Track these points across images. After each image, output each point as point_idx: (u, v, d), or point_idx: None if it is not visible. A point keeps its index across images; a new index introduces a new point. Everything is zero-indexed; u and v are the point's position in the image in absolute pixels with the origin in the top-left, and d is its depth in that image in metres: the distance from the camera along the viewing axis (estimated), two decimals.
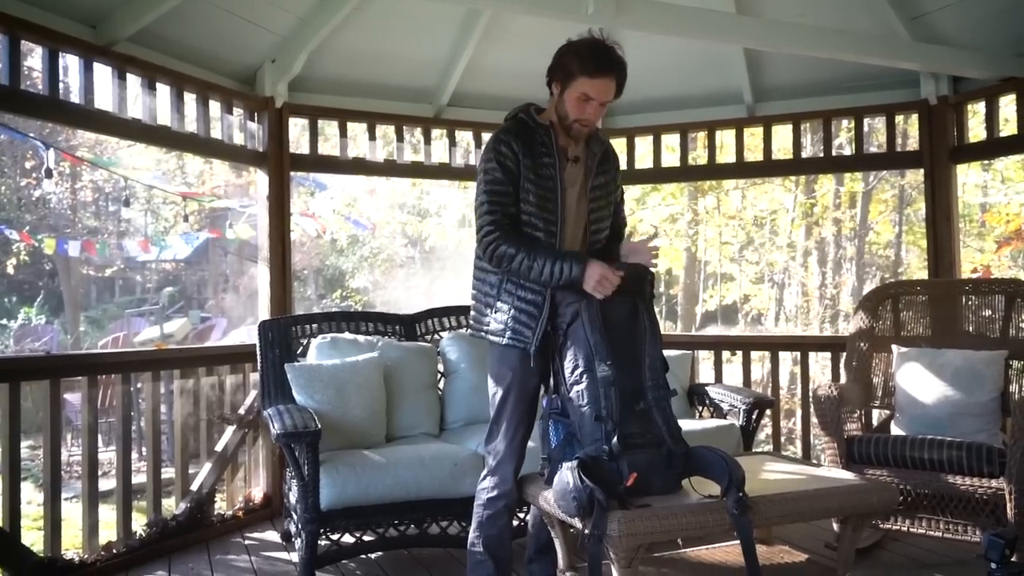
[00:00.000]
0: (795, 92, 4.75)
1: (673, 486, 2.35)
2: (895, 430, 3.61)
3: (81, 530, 3.46)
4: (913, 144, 4.70)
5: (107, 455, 6.04)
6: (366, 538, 3.21)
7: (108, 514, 3.58)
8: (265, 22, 4.06)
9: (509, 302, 2.55)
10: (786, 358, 8.36)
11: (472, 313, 2.69)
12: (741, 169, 5.33)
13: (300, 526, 3.09)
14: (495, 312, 2.58)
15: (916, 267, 10.91)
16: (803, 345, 4.93)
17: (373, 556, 3.49)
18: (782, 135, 5.52)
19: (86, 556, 3.34)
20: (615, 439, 2.28)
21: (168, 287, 14.99)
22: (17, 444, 3.13)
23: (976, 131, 4.63)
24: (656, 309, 2.63)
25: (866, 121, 4.85)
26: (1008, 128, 4.48)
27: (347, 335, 3.78)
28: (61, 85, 3.49)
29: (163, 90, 3.88)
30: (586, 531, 2.15)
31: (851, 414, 3.68)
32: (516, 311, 2.54)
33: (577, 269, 2.41)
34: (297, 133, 4.86)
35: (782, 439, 6.94)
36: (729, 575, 2.58)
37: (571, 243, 2.61)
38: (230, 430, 4.07)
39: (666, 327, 12.95)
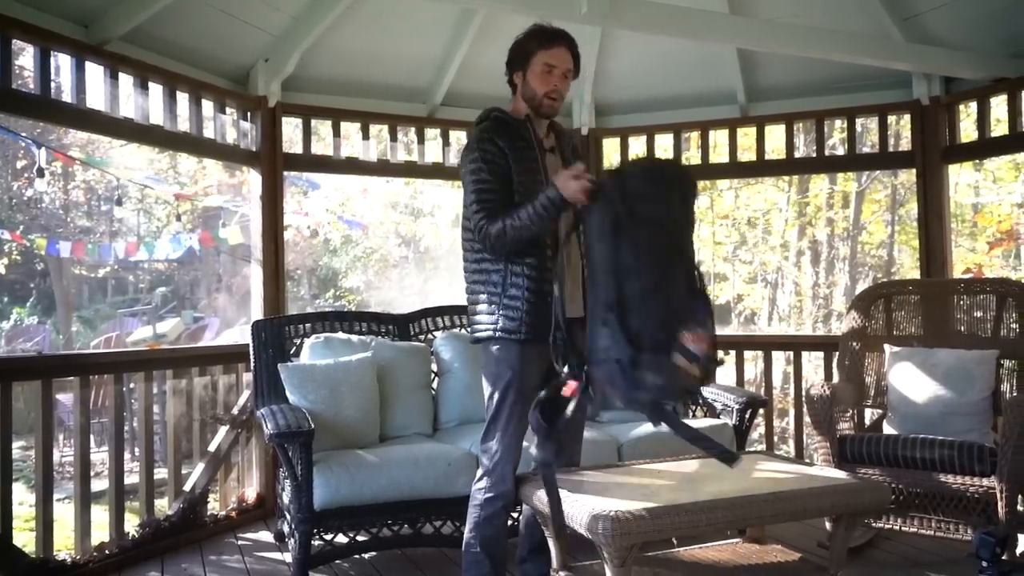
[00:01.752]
0: (788, 92, 4.76)
1: (637, 410, 2.27)
2: (887, 429, 3.62)
3: (73, 531, 3.45)
4: (905, 144, 4.72)
5: (99, 455, 6.02)
6: (360, 538, 3.20)
7: (100, 515, 3.57)
8: (258, 21, 4.05)
9: (520, 295, 2.53)
10: (779, 357, 8.36)
11: (478, 316, 2.62)
12: (734, 169, 5.34)
13: (293, 526, 3.09)
14: (503, 309, 2.54)
15: (909, 267, 10.96)
16: (796, 345, 4.94)
17: (367, 556, 3.49)
18: (775, 135, 5.53)
19: (78, 557, 3.33)
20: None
21: (161, 287, 14.94)
22: (9, 445, 3.12)
23: (968, 131, 4.65)
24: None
25: (859, 121, 4.87)
26: (1000, 128, 4.50)
27: (340, 335, 3.77)
28: (53, 84, 3.49)
29: (156, 89, 3.87)
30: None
31: (844, 413, 3.69)
32: (528, 303, 2.52)
33: (553, 190, 2.36)
34: (290, 132, 4.85)
35: (775, 438, 6.96)
36: (723, 574, 2.59)
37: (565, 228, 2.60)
38: (223, 430, 4.06)
39: None
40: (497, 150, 2.53)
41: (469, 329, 2.71)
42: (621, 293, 2.23)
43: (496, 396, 2.59)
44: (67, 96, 3.64)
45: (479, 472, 2.66)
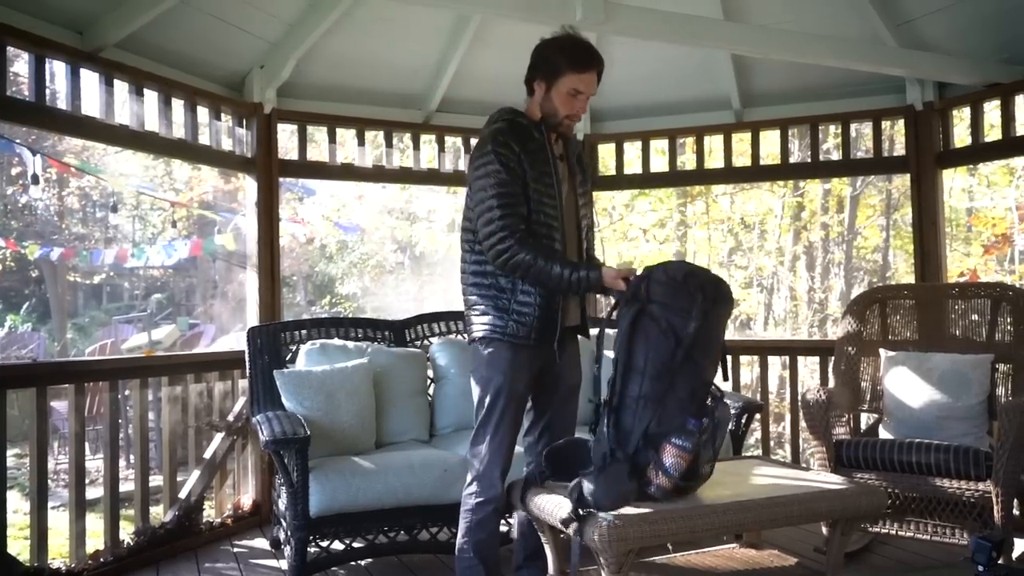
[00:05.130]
0: (783, 98, 4.78)
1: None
2: (883, 434, 3.62)
3: (68, 539, 3.43)
4: (900, 149, 4.72)
5: (94, 463, 5.98)
6: (356, 545, 3.20)
7: (95, 523, 3.55)
8: (253, 28, 4.05)
9: (532, 300, 2.52)
10: (775, 362, 8.38)
11: (482, 319, 2.58)
12: (729, 174, 5.35)
13: (289, 533, 3.08)
14: (512, 314, 2.54)
15: (903, 271, 10.97)
16: (792, 349, 4.94)
17: (363, 563, 3.47)
18: (770, 140, 5.55)
19: (73, 565, 3.31)
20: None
21: (156, 293, 14.91)
22: (3, 452, 3.10)
23: (962, 136, 4.66)
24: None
25: (853, 126, 4.88)
26: (993, 133, 4.52)
27: (336, 341, 3.77)
28: (48, 91, 3.48)
29: (151, 96, 3.86)
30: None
31: (839, 418, 3.69)
32: (540, 309, 2.52)
33: (595, 274, 2.41)
34: (286, 139, 4.85)
35: (771, 443, 6.97)
36: None
37: (570, 239, 2.61)
38: (219, 437, 4.05)
39: None
40: (512, 153, 2.48)
41: (466, 330, 2.71)
42: (623, 392, 2.35)
43: (487, 400, 2.59)
44: (62, 103, 3.64)
45: (469, 477, 2.66)
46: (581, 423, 2.82)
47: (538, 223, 2.51)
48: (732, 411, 3.72)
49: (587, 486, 2.24)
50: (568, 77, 2.50)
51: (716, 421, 2.33)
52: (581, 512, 2.20)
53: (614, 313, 2.48)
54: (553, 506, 2.33)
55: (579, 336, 2.77)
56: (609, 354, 2.49)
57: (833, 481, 2.68)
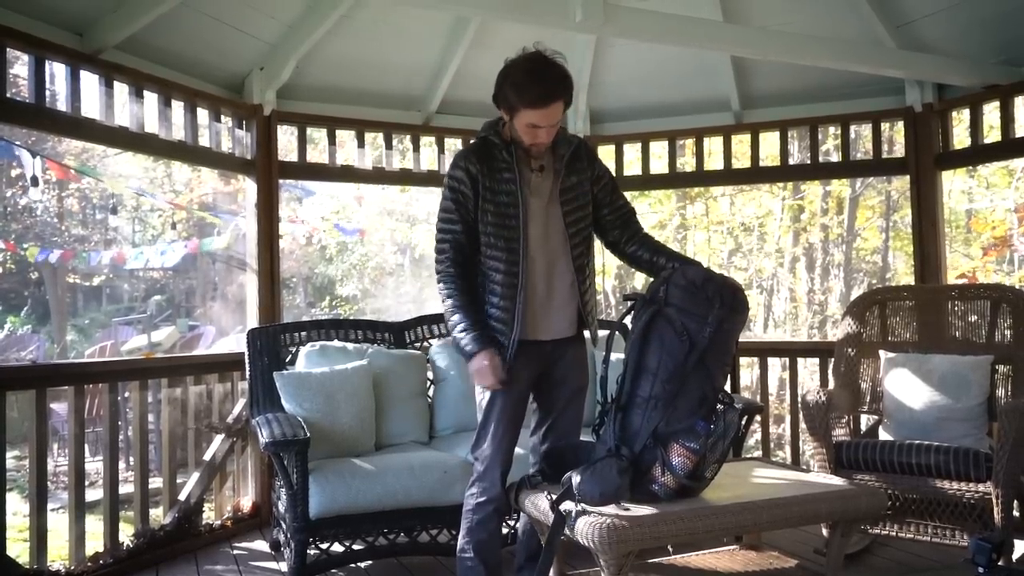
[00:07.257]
0: (782, 99, 4.78)
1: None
2: (883, 435, 3.63)
3: (67, 541, 3.43)
4: (899, 151, 4.73)
5: (94, 465, 5.99)
6: (355, 547, 3.20)
7: (95, 524, 3.55)
8: (253, 30, 4.06)
9: (494, 315, 2.55)
10: (775, 364, 8.38)
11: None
12: (729, 176, 5.35)
13: (289, 535, 3.08)
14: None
15: (903, 273, 10.98)
16: (792, 351, 4.94)
17: (363, 565, 3.47)
18: (769, 142, 5.55)
19: (72, 567, 3.31)
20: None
21: (156, 295, 14.92)
22: (2, 454, 3.10)
23: (961, 138, 4.66)
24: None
25: (852, 128, 4.88)
26: (992, 135, 4.52)
27: (336, 343, 3.77)
28: (47, 93, 3.48)
29: (150, 98, 3.86)
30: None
31: (839, 419, 3.70)
32: (487, 330, 2.54)
33: (470, 349, 2.47)
34: (285, 140, 4.85)
35: (771, 445, 6.97)
36: None
37: (542, 251, 2.58)
38: (218, 439, 4.05)
39: None
40: (466, 176, 2.54)
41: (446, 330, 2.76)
42: (633, 392, 2.39)
43: (484, 402, 2.61)
44: (62, 105, 3.64)
45: (471, 478, 2.66)
46: (587, 425, 2.82)
47: (487, 244, 2.54)
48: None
49: (576, 479, 2.27)
50: (523, 113, 2.46)
51: (725, 426, 2.35)
52: (564, 508, 2.25)
53: (627, 317, 2.49)
54: (549, 506, 2.33)
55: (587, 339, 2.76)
56: (615, 357, 2.50)
57: (833, 482, 2.68)
